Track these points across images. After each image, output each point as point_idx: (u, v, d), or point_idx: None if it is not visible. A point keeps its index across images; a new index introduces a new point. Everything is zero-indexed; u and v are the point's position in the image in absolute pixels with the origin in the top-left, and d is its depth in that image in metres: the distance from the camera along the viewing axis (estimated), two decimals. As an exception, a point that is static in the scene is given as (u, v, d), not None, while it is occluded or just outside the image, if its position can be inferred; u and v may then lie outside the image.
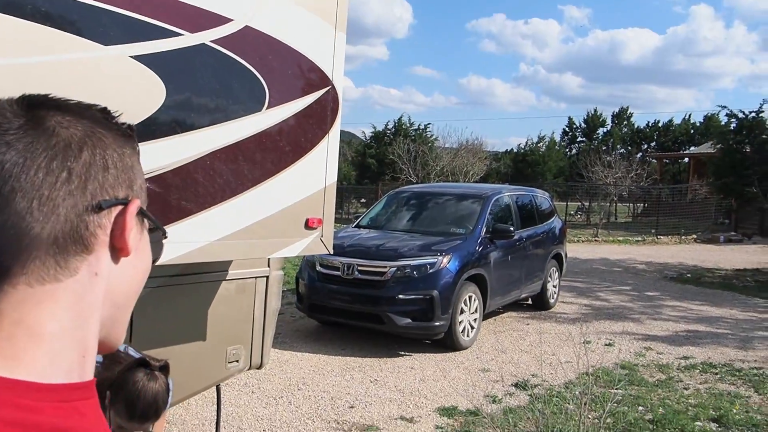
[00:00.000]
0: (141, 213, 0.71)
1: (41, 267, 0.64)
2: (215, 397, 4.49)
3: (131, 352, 2.63)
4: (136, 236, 0.70)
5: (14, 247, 0.62)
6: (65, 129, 0.66)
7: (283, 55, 3.42)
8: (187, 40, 2.97)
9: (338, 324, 8.03)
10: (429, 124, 43.01)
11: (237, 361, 4.28)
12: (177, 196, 3.03)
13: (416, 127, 37.76)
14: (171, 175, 3.00)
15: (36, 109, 0.66)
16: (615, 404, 5.17)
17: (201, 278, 3.95)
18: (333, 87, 3.75)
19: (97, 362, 2.25)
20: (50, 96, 0.69)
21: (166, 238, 0.78)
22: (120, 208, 0.69)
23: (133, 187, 0.71)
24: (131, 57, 2.78)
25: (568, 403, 5.47)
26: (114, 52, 2.72)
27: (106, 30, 2.68)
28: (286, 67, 3.46)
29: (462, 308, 7.70)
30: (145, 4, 2.81)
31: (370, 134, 39.44)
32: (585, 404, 4.66)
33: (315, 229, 3.79)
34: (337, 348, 7.48)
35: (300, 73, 3.55)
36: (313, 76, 3.63)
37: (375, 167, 35.60)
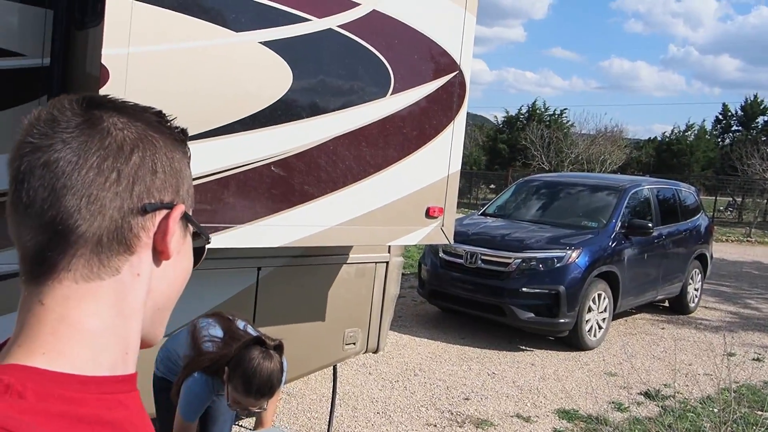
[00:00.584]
0: (185, 218, 0.72)
1: (86, 264, 0.65)
2: (332, 375, 4.59)
3: (250, 330, 2.71)
4: (179, 240, 0.71)
5: (62, 243, 0.64)
6: (119, 131, 0.67)
7: (410, 39, 3.36)
8: (314, 25, 2.99)
9: (458, 312, 7.95)
10: (565, 109, 41.36)
11: (354, 343, 4.34)
12: (300, 180, 3.08)
13: (551, 112, 36.48)
14: (295, 159, 3.05)
15: (94, 109, 0.67)
16: (762, 429, 4.69)
17: (323, 260, 4.02)
18: (460, 72, 3.64)
19: (217, 338, 2.34)
20: (109, 97, 0.70)
21: (209, 243, 0.78)
22: (165, 212, 0.69)
23: (179, 192, 0.71)
24: (260, 43, 2.83)
25: (704, 421, 5.05)
26: (245, 38, 2.79)
27: (238, 17, 2.75)
28: (412, 52, 3.40)
29: (590, 306, 7.34)
30: (276, -10, 2.85)
31: (503, 119, 38.64)
32: (725, 425, 4.26)
33: (436, 218, 3.73)
34: (456, 336, 7.41)
35: (426, 58, 3.48)
36: (439, 61, 3.54)
37: (506, 153, 34.87)
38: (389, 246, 4.35)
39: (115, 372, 0.67)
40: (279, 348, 2.45)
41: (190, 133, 2.59)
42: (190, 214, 0.73)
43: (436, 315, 8.36)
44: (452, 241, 3.90)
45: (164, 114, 0.73)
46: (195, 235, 0.76)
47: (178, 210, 0.69)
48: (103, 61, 2.43)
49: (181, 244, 0.72)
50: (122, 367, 0.68)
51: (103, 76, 2.44)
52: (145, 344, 0.73)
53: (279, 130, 2.97)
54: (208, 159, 2.77)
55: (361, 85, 3.26)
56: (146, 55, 2.53)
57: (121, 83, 2.46)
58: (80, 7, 2.71)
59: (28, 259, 0.66)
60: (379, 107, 3.34)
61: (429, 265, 7.88)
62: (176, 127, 0.74)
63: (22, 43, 2.73)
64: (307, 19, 2.96)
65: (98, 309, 0.66)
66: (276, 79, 2.93)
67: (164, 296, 0.72)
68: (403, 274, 10.49)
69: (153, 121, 0.71)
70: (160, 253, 0.69)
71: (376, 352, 4.54)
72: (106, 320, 0.66)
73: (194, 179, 2.55)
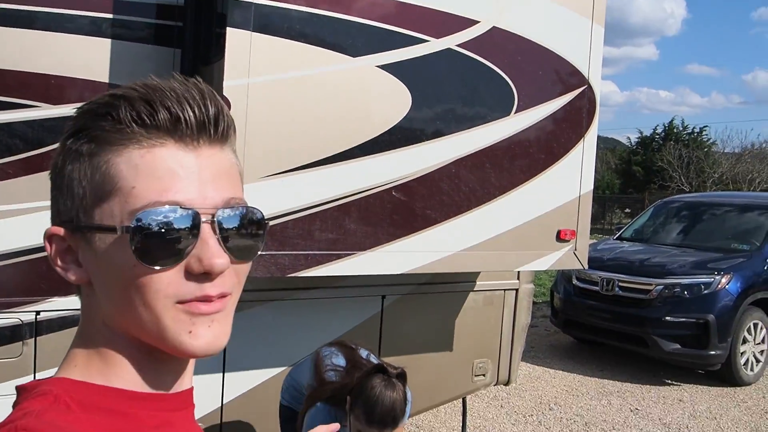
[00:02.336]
0: (84, 228, 0.65)
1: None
2: (461, 408, 4.40)
3: (373, 358, 2.63)
4: (90, 257, 0.66)
5: None
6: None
7: (533, 54, 3.20)
8: (432, 45, 2.92)
9: (595, 342, 7.47)
10: (705, 126, 38.56)
11: (484, 375, 4.14)
12: (422, 204, 2.99)
13: (689, 131, 34.19)
14: (416, 183, 2.96)
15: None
16: None
17: (449, 288, 3.89)
18: (589, 86, 3.42)
19: (340, 367, 2.27)
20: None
21: (129, 231, 0.63)
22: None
23: (60, 214, 0.68)
24: (378, 66, 2.80)
25: None
26: (362, 63, 2.77)
27: (354, 42, 2.74)
28: (537, 68, 3.23)
29: (745, 337, 6.63)
30: (391, 14, 2.81)
31: (636, 140, 36.71)
32: None
33: (568, 241, 3.49)
34: (593, 368, 6.95)
35: (552, 73, 3.30)
36: (566, 76, 3.35)
37: (641, 175, 33.03)
38: (518, 272, 4.14)
39: (157, 386, 0.67)
40: (402, 376, 2.34)
41: (309, 160, 2.55)
42: (94, 219, 0.64)
43: (572, 346, 7.92)
44: (586, 266, 3.63)
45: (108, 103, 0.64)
46: (136, 234, 0.63)
47: (49, 231, 0.68)
48: (225, 93, 2.48)
49: (96, 256, 0.65)
50: (163, 382, 0.68)
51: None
52: (178, 352, 0.66)
53: (399, 154, 2.91)
54: (329, 185, 2.75)
55: (484, 105, 3.14)
56: (266, 84, 2.56)
57: (242, 112, 2.51)
58: (205, 44, 2.82)
59: None
60: (503, 127, 3.19)
61: (562, 293, 7.50)
62: (77, 129, 0.66)
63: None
64: (424, 40, 2.90)
65: (90, 328, 0.68)
66: (395, 102, 2.88)
67: (117, 313, 0.66)
68: (534, 303, 10.14)
69: (64, 135, 0.67)
70: (67, 279, 0.68)
71: (507, 384, 4.32)
72: (98, 339, 0.67)
73: (315, 206, 2.46)
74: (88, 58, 2.71)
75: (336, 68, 2.71)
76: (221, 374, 3.19)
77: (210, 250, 0.63)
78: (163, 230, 0.62)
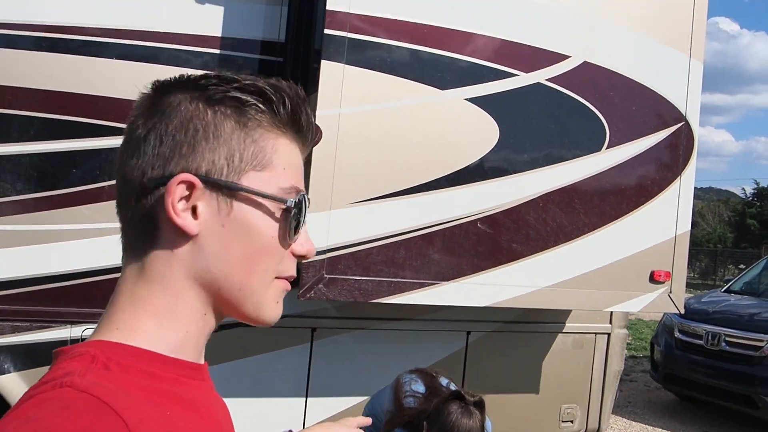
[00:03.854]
0: (225, 186, 0.66)
1: (133, 244, 0.68)
2: (547, 457, 4.24)
3: (452, 387, 2.60)
4: (213, 212, 0.66)
5: (121, 223, 0.69)
6: (136, 111, 0.68)
7: (627, 89, 3.15)
8: (521, 80, 2.95)
9: (698, 401, 6.98)
10: (832, 178, 35.58)
11: (571, 421, 3.98)
12: (508, 237, 2.98)
13: (813, 183, 31.79)
14: (502, 216, 2.96)
15: (161, 90, 0.69)
16: None
17: (536, 328, 3.80)
18: (686, 123, 3.32)
19: (419, 393, 2.27)
20: (176, 78, 0.70)
21: (297, 207, 0.69)
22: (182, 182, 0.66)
23: (193, 161, 0.66)
24: (466, 99, 2.85)
25: None
26: (450, 95, 2.83)
27: (443, 75, 2.81)
28: (630, 103, 3.18)
29: None
30: (481, 48, 2.87)
31: (752, 191, 34.59)
32: None
33: (662, 283, 3.35)
34: (695, 428, 6.48)
35: (646, 109, 3.23)
36: (662, 112, 3.27)
37: (756, 229, 30.97)
38: (611, 315, 3.99)
39: (184, 355, 0.68)
40: (480, 405, 2.30)
41: (396, 188, 2.63)
42: (241, 181, 0.67)
43: (673, 402, 7.43)
44: (682, 310, 3.46)
45: (209, 75, 0.68)
46: (288, 211, 0.69)
47: (175, 180, 0.64)
48: (317, 121, 2.60)
49: (223, 216, 0.66)
50: (190, 351, 0.69)
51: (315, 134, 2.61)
52: (253, 321, 0.71)
53: (485, 186, 2.92)
54: (414, 214, 2.80)
55: (574, 140, 3.11)
56: (356, 114, 2.67)
57: (333, 140, 2.62)
58: (303, 77, 2.98)
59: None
60: (594, 162, 3.15)
61: (663, 346, 7.09)
62: (218, 88, 0.67)
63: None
64: (514, 74, 2.93)
65: (147, 287, 0.67)
66: (482, 134, 2.91)
67: (217, 274, 0.67)
68: (634, 357, 9.68)
69: (185, 86, 0.68)
70: (181, 229, 0.65)
71: (596, 433, 4.12)
72: (158, 297, 0.67)
73: (400, 234, 2.52)
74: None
75: (425, 100, 2.79)
76: (304, 399, 3.25)
77: (308, 237, 0.73)
78: (303, 212, 0.70)
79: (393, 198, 2.76)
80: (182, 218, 0.65)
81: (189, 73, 0.70)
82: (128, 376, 0.61)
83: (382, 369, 3.34)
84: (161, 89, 0.68)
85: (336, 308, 3.27)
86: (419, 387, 2.57)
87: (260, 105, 0.67)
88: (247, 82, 0.67)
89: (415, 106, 2.78)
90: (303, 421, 3.26)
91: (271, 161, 0.68)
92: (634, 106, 3.20)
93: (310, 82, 2.87)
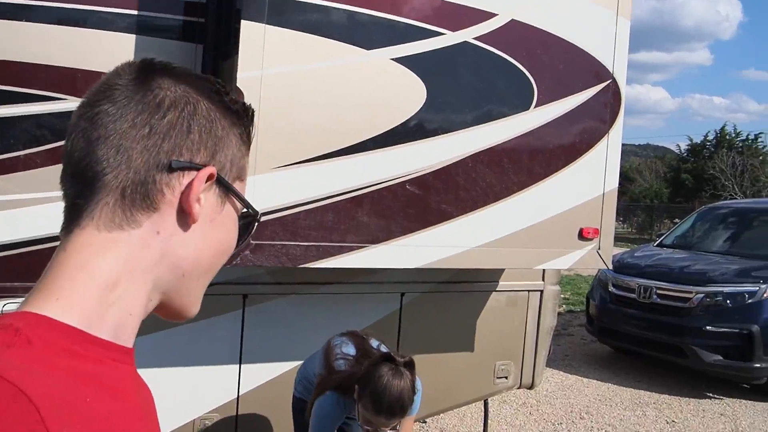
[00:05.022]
0: (223, 185, 0.72)
1: (108, 214, 0.66)
2: (483, 411, 4.34)
3: (383, 349, 2.61)
4: (212, 206, 0.71)
5: (87, 190, 0.67)
6: (162, 90, 0.68)
7: (554, 47, 3.15)
8: (448, 39, 2.90)
9: (632, 352, 7.27)
10: (761, 133, 36.98)
11: (506, 377, 4.07)
12: (437, 198, 2.97)
13: (743, 138, 33.11)
14: (431, 177, 2.95)
15: (146, 70, 0.70)
16: None
17: (470, 287, 3.84)
18: (614, 80, 3.35)
19: (349, 356, 2.26)
20: (164, 62, 0.72)
21: (258, 221, 0.80)
22: (194, 173, 0.68)
23: (215, 156, 0.71)
24: (392, 59, 2.80)
25: None
26: (376, 55, 2.77)
27: (368, 34, 2.74)
28: (557, 61, 3.18)
29: (793, 349, 6.35)
30: (407, 8, 2.81)
31: (686, 147, 35.77)
32: None
33: (590, 240, 3.42)
34: (629, 379, 6.76)
35: (574, 67, 3.24)
36: (589, 70, 3.28)
37: (691, 183, 32.11)
38: (543, 273, 4.07)
39: (118, 338, 0.66)
40: (409, 365, 2.32)
41: (322, 151, 2.56)
42: (234, 185, 0.73)
43: (608, 355, 7.72)
44: (610, 266, 3.55)
45: (220, 83, 0.74)
46: (245, 216, 0.77)
47: (206, 171, 0.69)
48: (239, 83, 2.52)
49: (215, 212, 0.72)
50: (126, 335, 0.68)
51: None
52: (176, 314, 0.74)
53: (413, 147, 2.90)
54: (342, 177, 2.75)
55: (501, 99, 3.10)
56: (278, 76, 2.59)
57: (255, 104, 2.52)
58: (225, 39, 2.87)
59: (65, 210, 0.69)
60: (522, 121, 3.15)
61: (598, 301, 7.33)
62: (233, 99, 0.74)
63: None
64: (440, 33, 2.88)
65: (114, 260, 0.66)
66: (409, 95, 2.87)
67: (190, 262, 0.70)
68: (572, 311, 9.98)
69: (204, 87, 0.72)
70: (186, 215, 0.68)
71: (531, 388, 4.23)
72: (118, 274, 0.66)
73: (328, 198, 2.49)
74: (113, 52, 2.79)
75: (350, 61, 2.72)
76: (238, 366, 3.22)
77: None
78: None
79: (320, 161, 2.71)
80: (196, 206, 0.68)
81: (197, 72, 0.74)
82: (51, 354, 0.59)
83: (317, 333, 3.32)
84: (178, 76, 0.70)
85: (268, 274, 3.23)
86: (350, 349, 2.57)
87: (250, 127, 0.75)
88: (245, 102, 0.75)
89: (340, 66, 2.71)
90: (237, 388, 3.23)
91: (246, 175, 0.76)
92: (562, 64, 3.20)
93: (232, 43, 2.76)
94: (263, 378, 3.29)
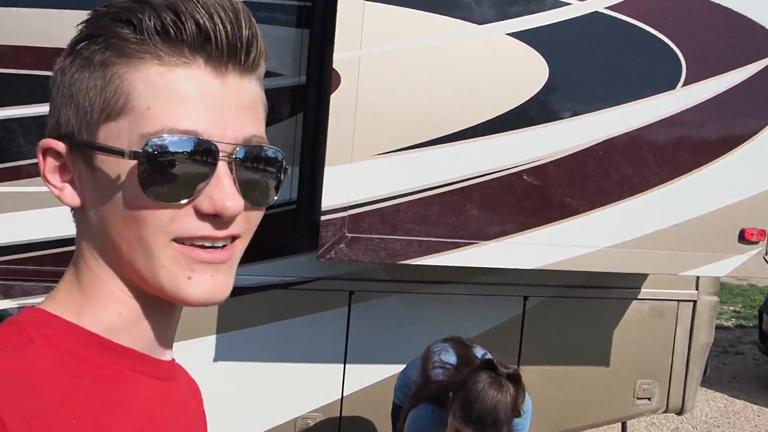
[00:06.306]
0: (82, 145, 0.58)
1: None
2: (621, 436, 3.86)
3: (489, 356, 2.32)
4: (82, 179, 0.59)
5: None
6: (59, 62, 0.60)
7: (706, 15, 2.67)
8: (575, 9, 2.55)
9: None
10: None
11: (649, 398, 3.58)
12: (559, 191, 2.62)
13: None
14: (552, 167, 2.61)
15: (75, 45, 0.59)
16: None
17: (607, 293, 3.41)
18: (787, 52, 2.78)
19: (449, 364, 2.00)
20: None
21: (132, 156, 0.56)
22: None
23: (60, 119, 0.59)
24: (508, 34, 2.50)
25: None
26: (488, 30, 2.48)
27: (480, 7, 2.46)
28: (712, 31, 2.69)
29: None
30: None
31: None
32: None
33: (755, 243, 2.88)
34: (812, 409, 5.80)
35: (733, 37, 2.73)
36: (753, 39, 2.75)
37: None
38: (697, 281, 3.52)
39: (136, 345, 0.61)
40: (513, 378, 2.01)
41: (427, 137, 2.29)
42: (99, 131, 0.57)
43: (785, 379, 6.72)
44: (780, 276, 2.96)
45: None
46: (150, 160, 0.56)
47: (44, 143, 0.59)
48: (335, 66, 2.35)
49: (87, 183, 0.59)
50: (142, 340, 0.61)
51: (334, 80, 2.36)
52: (173, 297, 0.59)
53: (532, 132, 2.57)
54: (449, 166, 2.50)
55: (640, 77, 2.68)
56: (379, 56, 2.39)
57: (353, 86, 2.36)
58: (331, 22, 2.72)
59: None
60: (666, 102, 2.70)
61: (773, 316, 6.40)
62: (93, 33, 0.57)
63: (281, 63, 2.82)
64: (565, 3, 2.53)
65: (80, 262, 0.62)
66: (528, 74, 2.55)
67: (111, 244, 0.59)
68: (742, 326, 8.87)
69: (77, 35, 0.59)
70: (60, 199, 0.61)
71: (680, 413, 3.69)
72: (92, 270, 0.61)
73: (433, 188, 2.22)
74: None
75: (459, 37, 2.46)
76: (342, 365, 3.07)
77: (224, 190, 0.57)
78: (175, 161, 0.55)
79: (424, 148, 2.47)
80: (58, 189, 0.60)
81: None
82: (52, 357, 0.55)
83: (428, 336, 3.07)
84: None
85: (377, 270, 3.05)
86: (450, 357, 2.31)
87: (121, 30, 0.55)
88: (114, 7, 0.56)
89: (447, 44, 2.45)
90: (341, 389, 3.08)
91: (128, 103, 0.56)
92: (718, 34, 2.70)
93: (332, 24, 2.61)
94: (369, 380, 3.11)
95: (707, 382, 6.67)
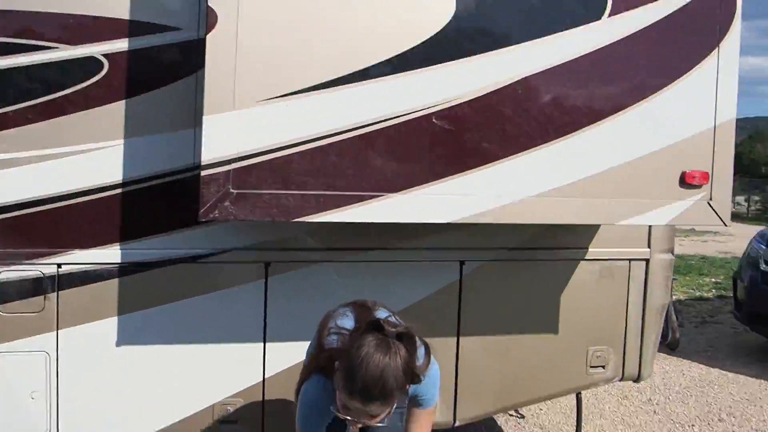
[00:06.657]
0: None
1: None
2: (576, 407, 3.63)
3: (394, 321, 2.05)
4: None
5: None
6: None
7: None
8: (481, -71, 2.29)
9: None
10: None
11: (603, 366, 3.34)
12: (475, 135, 2.37)
13: None
14: (466, 107, 2.36)
15: None
16: None
17: (550, 254, 3.16)
18: (722, -25, 2.54)
19: (345, 330, 1.71)
20: None
21: None
22: None
23: None
24: (405, -41, 2.24)
25: None
26: (382, -46, 2.23)
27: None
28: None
29: None
30: None
31: None
32: None
33: (698, 187, 2.65)
34: (788, 375, 5.60)
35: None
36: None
37: None
38: (649, 238, 3.28)
39: None
40: (404, 336, 1.75)
41: (320, 80, 1.99)
42: None
43: (760, 346, 6.52)
44: (728, 222, 2.72)
45: None
46: None
47: None
48: (209, 3, 2.10)
49: None
50: None
51: (210, 19, 2.10)
52: None
53: (441, 71, 2.32)
54: (347, 111, 2.24)
55: (563, 6, 2.43)
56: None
57: (233, 21, 2.10)
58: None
59: None
60: (592, 34, 2.46)
61: (747, 281, 6.18)
62: None
63: (177, 17, 2.56)
64: (470, -77, 2.28)
65: None
66: (434, 4, 2.29)
67: None
68: (722, 297, 8.68)
69: None
70: None
71: (637, 380, 3.45)
72: None
73: (329, 136, 1.97)
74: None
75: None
76: (262, 344, 2.81)
77: None
78: None
79: (317, 91, 2.22)
80: None
81: None
82: None
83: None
84: None
85: (295, 238, 2.79)
86: (347, 322, 2.04)
87: None
88: None
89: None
90: (263, 371, 2.82)
91: None
92: (644, -45, 2.46)
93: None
94: (293, 359, 2.84)
95: (683, 352, 6.47)
